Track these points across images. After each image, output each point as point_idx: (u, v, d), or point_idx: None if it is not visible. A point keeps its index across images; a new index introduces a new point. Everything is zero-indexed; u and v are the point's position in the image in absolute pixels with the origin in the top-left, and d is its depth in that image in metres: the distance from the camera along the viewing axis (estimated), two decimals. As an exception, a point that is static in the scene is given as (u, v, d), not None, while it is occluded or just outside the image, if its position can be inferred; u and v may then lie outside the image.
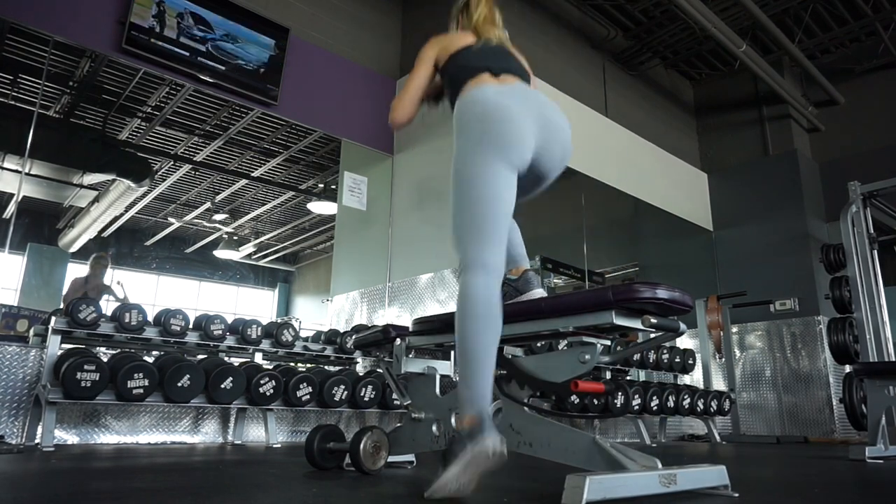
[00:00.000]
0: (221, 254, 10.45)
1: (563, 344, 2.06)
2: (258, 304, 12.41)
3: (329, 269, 5.98)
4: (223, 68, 4.33)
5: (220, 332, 3.63)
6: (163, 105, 6.44)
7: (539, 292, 1.92)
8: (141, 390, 3.04)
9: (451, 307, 4.33)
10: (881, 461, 3.10)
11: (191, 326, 3.60)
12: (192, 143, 7.26)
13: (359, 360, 4.49)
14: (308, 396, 3.58)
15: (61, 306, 4.27)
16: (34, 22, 3.79)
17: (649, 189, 6.46)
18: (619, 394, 4.46)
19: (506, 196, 1.68)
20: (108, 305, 4.90)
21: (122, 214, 8.52)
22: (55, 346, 3.16)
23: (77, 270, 8.58)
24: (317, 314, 9.89)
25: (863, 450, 3.18)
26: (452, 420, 1.91)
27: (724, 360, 6.01)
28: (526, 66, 2.06)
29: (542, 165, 1.81)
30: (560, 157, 1.87)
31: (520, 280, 1.96)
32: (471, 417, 1.46)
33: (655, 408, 4.80)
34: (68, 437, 3.20)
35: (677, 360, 5.40)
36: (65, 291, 6.06)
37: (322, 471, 2.14)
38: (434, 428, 1.97)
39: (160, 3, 4.05)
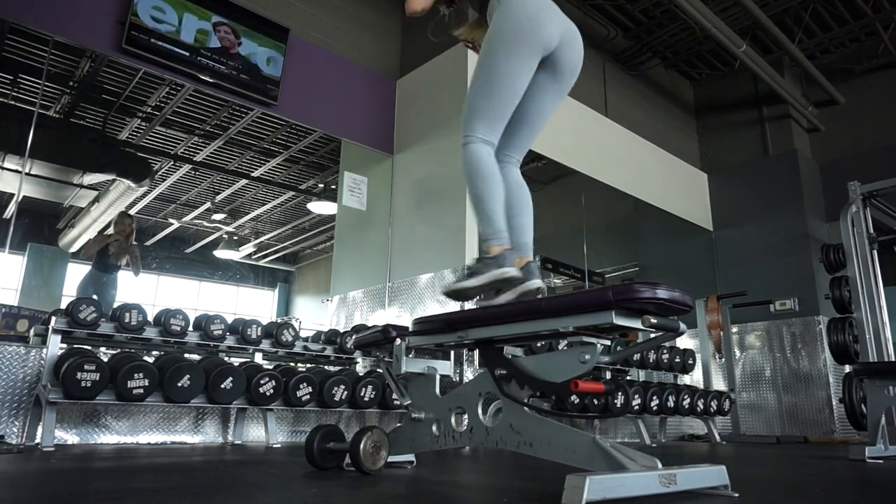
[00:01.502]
0: (221, 254, 10.45)
1: (563, 344, 2.06)
2: (258, 304, 12.41)
3: (329, 269, 5.98)
4: (223, 68, 4.33)
5: (220, 332, 3.63)
6: (163, 105, 6.44)
7: (537, 283, 1.92)
8: (141, 390, 3.04)
9: (452, 307, 4.34)
10: (881, 461, 3.10)
11: (191, 326, 3.60)
12: (192, 143, 7.26)
13: (359, 360, 4.49)
14: (308, 396, 3.57)
15: (61, 307, 4.27)
16: (34, 22, 3.79)
17: (649, 189, 6.46)
18: (619, 394, 4.46)
19: (521, 83, 1.97)
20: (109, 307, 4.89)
21: (121, 214, 8.51)
22: (55, 346, 3.16)
23: (77, 270, 8.59)
24: (317, 314, 9.89)
25: (863, 450, 3.18)
26: (452, 420, 1.92)
27: (724, 360, 6.01)
28: None
29: (563, 56, 2.05)
30: (577, 59, 2.10)
31: (522, 271, 1.96)
32: (499, 247, 1.82)
33: (655, 408, 4.80)
34: (68, 437, 3.20)
35: (677, 360, 5.40)
36: (85, 239, 6.06)
37: (322, 471, 2.14)
38: (434, 428, 1.97)
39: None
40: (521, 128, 2.12)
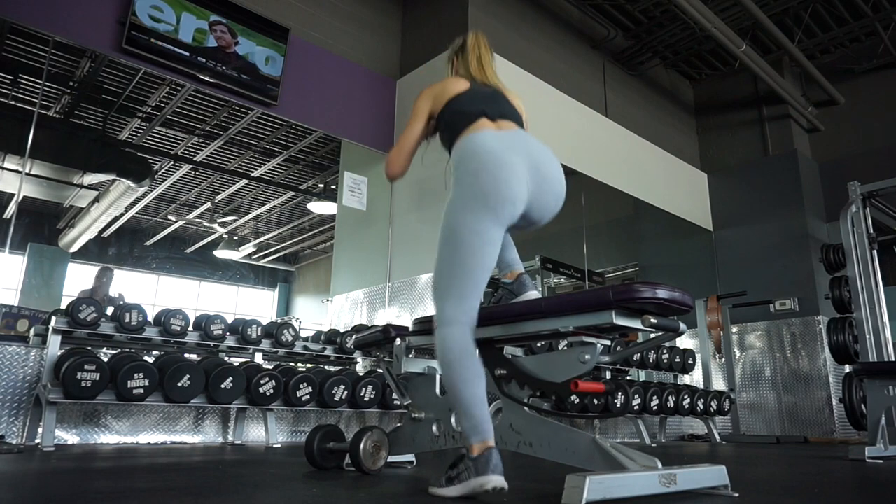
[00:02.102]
0: (221, 254, 10.45)
1: (563, 344, 2.06)
2: (258, 304, 12.41)
3: (329, 269, 5.98)
4: (223, 68, 4.33)
5: (220, 332, 3.63)
6: (163, 105, 6.44)
7: (533, 294, 1.93)
8: (141, 390, 3.04)
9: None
10: (881, 461, 3.11)
11: (191, 326, 3.60)
12: (192, 143, 7.26)
13: (359, 360, 4.49)
14: (308, 396, 3.58)
15: (61, 307, 4.28)
16: (34, 22, 3.79)
17: (649, 189, 6.46)
18: (619, 394, 4.46)
19: (491, 257, 1.74)
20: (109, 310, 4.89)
21: (122, 214, 8.53)
22: (55, 346, 3.16)
23: (77, 270, 8.59)
24: (317, 314, 9.89)
25: (863, 450, 3.18)
26: (452, 420, 1.92)
27: (724, 360, 6.01)
28: (521, 109, 2.04)
29: (534, 214, 1.82)
30: (552, 207, 1.86)
31: (515, 283, 1.99)
32: (479, 445, 1.56)
33: (655, 408, 4.80)
34: (68, 437, 3.20)
35: (677, 360, 5.40)
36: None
37: (322, 471, 2.14)
38: (434, 428, 1.97)
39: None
40: None
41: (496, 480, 1.50)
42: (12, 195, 6.32)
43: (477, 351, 1.73)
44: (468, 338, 1.69)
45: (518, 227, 1.84)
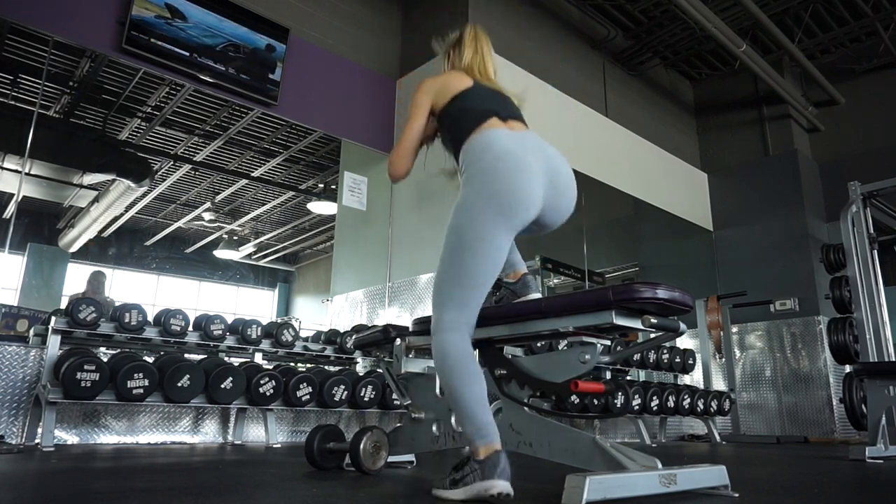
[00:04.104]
0: (221, 254, 10.45)
1: (563, 344, 2.06)
2: (258, 304, 12.41)
3: (329, 269, 5.98)
4: (223, 68, 4.33)
5: (220, 332, 3.63)
6: (163, 105, 6.44)
7: (535, 295, 1.92)
8: (141, 390, 3.04)
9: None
10: (881, 461, 3.10)
11: (191, 326, 3.60)
12: (192, 143, 7.26)
13: (359, 360, 4.48)
14: (308, 396, 3.57)
15: (61, 307, 4.28)
16: (34, 22, 3.79)
17: (649, 189, 6.46)
18: (619, 394, 4.46)
19: (498, 263, 1.69)
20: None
21: (122, 214, 8.53)
22: (55, 346, 3.16)
23: (77, 270, 8.59)
24: (317, 314, 9.90)
25: (863, 450, 3.18)
26: (452, 420, 1.92)
27: (724, 360, 6.01)
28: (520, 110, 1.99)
29: (546, 219, 1.78)
30: (565, 213, 1.82)
31: (518, 284, 1.97)
32: (486, 448, 1.51)
33: (655, 408, 4.80)
34: (68, 437, 3.20)
35: (677, 360, 5.40)
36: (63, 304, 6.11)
37: (322, 471, 2.14)
38: (434, 428, 1.97)
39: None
40: None
41: (502, 486, 1.44)
42: (12, 195, 6.32)
43: (476, 353, 1.68)
44: (467, 341, 1.65)
45: (528, 231, 1.78)
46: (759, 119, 7.15)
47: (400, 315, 4.82)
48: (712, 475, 1.57)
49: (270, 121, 6.64)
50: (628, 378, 5.27)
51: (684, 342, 6.27)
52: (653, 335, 1.64)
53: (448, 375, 1.61)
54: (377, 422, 4.15)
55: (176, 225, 9.75)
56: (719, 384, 6.16)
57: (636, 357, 5.06)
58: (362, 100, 5.25)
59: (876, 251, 4.43)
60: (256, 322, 3.83)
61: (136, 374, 3.03)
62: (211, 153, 7.48)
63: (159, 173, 8.00)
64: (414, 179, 5.34)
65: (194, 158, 7.60)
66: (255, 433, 3.78)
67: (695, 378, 6.18)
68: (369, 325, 4.59)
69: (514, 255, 2.04)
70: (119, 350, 3.65)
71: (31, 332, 3.37)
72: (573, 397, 1.59)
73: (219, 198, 9.00)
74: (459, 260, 1.66)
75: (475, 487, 1.48)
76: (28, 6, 3.73)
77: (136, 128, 6.94)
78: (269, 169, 7.95)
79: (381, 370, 3.89)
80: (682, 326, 1.60)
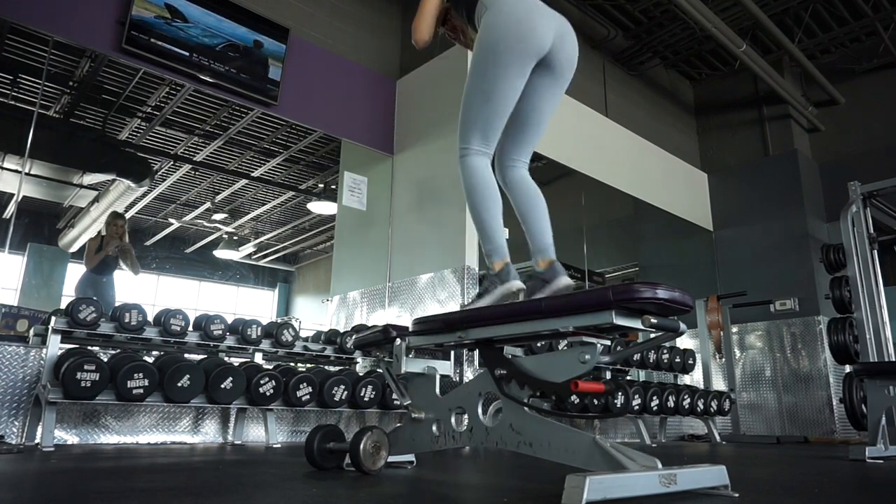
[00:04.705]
0: (221, 254, 10.45)
1: (563, 344, 2.06)
2: (258, 304, 12.41)
3: (329, 269, 5.98)
4: (223, 68, 4.33)
5: (220, 332, 3.63)
6: (163, 105, 6.43)
7: (565, 280, 1.92)
8: (141, 390, 3.04)
9: (451, 307, 4.34)
10: (881, 461, 3.10)
11: (191, 326, 3.60)
12: (192, 143, 7.26)
13: (359, 360, 4.48)
14: (308, 396, 3.57)
15: (61, 307, 4.27)
16: (34, 22, 3.79)
17: (649, 189, 6.46)
18: (619, 394, 4.46)
19: (516, 89, 1.95)
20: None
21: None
22: (55, 346, 3.16)
23: (77, 270, 8.59)
24: (317, 314, 9.89)
25: (863, 450, 3.18)
26: (452, 420, 1.92)
27: (724, 360, 6.01)
28: None
29: (557, 57, 2.00)
30: (572, 50, 2.05)
31: (548, 271, 1.96)
32: (500, 262, 1.90)
33: (655, 408, 4.80)
34: (68, 437, 3.20)
35: (677, 360, 5.40)
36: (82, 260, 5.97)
37: (322, 471, 2.14)
38: (434, 428, 1.97)
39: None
40: (523, 130, 2.10)
41: (518, 285, 1.83)
42: (12, 195, 6.31)
43: (495, 181, 1.98)
44: (489, 168, 1.96)
45: (543, 77, 2.01)
46: (759, 119, 7.15)
47: (400, 315, 4.82)
48: (712, 475, 1.57)
49: (270, 121, 6.63)
50: (628, 378, 5.27)
51: (684, 342, 6.27)
52: (653, 335, 1.63)
53: (474, 198, 1.94)
54: (377, 422, 4.15)
55: (176, 225, 9.75)
56: (719, 384, 6.16)
57: (636, 357, 5.06)
58: (362, 100, 5.25)
59: (876, 251, 4.43)
60: (256, 322, 3.83)
61: (136, 374, 3.03)
62: (211, 153, 7.47)
63: (159, 173, 8.00)
64: (414, 179, 5.37)
65: (194, 158, 7.60)
66: (255, 433, 3.78)
67: (695, 378, 6.18)
68: (369, 325, 4.59)
69: (545, 238, 2.04)
70: (119, 350, 3.65)
71: (31, 332, 3.37)
72: (573, 397, 1.59)
73: (219, 198, 8.99)
74: (479, 87, 1.92)
75: (499, 291, 1.85)
76: (28, 6, 3.73)
77: (136, 128, 6.93)
78: (269, 169, 7.94)
79: (381, 370, 3.89)
80: (682, 326, 1.60)
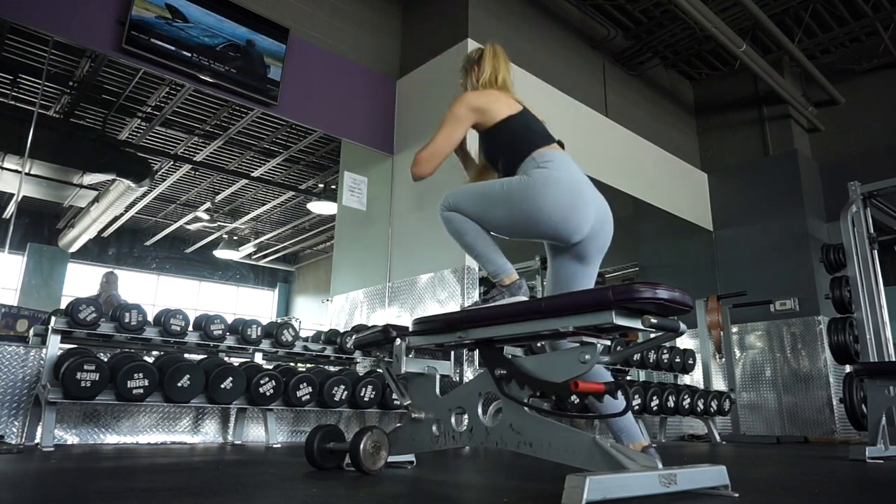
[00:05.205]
0: (221, 254, 10.45)
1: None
2: (258, 304, 12.41)
3: (329, 269, 5.98)
4: (223, 68, 4.33)
5: (220, 332, 3.63)
6: (163, 105, 6.44)
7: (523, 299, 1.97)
8: (141, 390, 3.04)
9: (451, 307, 4.34)
10: (881, 461, 3.10)
11: (191, 326, 3.60)
12: (192, 143, 7.26)
13: (359, 360, 4.48)
14: (308, 396, 3.57)
15: (61, 307, 4.27)
16: (34, 22, 3.79)
17: (649, 189, 6.46)
18: (619, 394, 4.45)
19: (526, 236, 2.02)
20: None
21: (122, 214, 8.52)
22: (55, 346, 3.15)
23: (77, 270, 8.60)
24: (317, 314, 9.89)
25: (863, 450, 3.18)
26: (452, 420, 1.92)
27: (724, 360, 6.01)
28: None
29: (587, 248, 2.03)
30: (604, 242, 2.07)
31: (513, 286, 2.02)
32: (509, 277, 1.97)
33: (655, 408, 4.79)
34: (68, 437, 3.20)
35: (677, 360, 5.40)
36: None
37: (322, 471, 2.14)
38: (434, 428, 1.97)
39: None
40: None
41: (524, 299, 1.89)
42: (12, 195, 6.31)
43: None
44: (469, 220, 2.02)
45: (573, 253, 2.05)
46: (759, 119, 7.15)
47: (400, 315, 4.82)
48: (712, 475, 1.57)
49: (270, 121, 6.63)
50: (628, 378, 5.27)
51: (684, 342, 6.27)
52: (653, 335, 1.63)
53: (465, 239, 2.02)
54: (377, 422, 4.15)
55: (176, 225, 9.75)
56: (719, 384, 6.16)
57: (636, 357, 5.06)
58: (362, 100, 5.25)
59: (876, 251, 4.43)
60: (256, 322, 3.83)
61: (136, 374, 3.03)
62: (211, 153, 7.47)
63: (159, 173, 8.00)
64: (414, 179, 5.31)
65: (194, 158, 7.60)
66: (255, 433, 3.78)
67: (695, 378, 6.18)
68: (369, 325, 4.59)
69: (502, 257, 2.10)
70: (119, 350, 3.65)
71: (31, 332, 3.37)
72: (573, 397, 1.59)
73: (219, 198, 8.99)
74: (510, 213, 1.96)
75: (504, 302, 1.90)
76: (28, 6, 3.73)
77: (136, 128, 6.93)
78: (269, 169, 7.94)
79: (381, 370, 3.89)
80: (682, 326, 1.60)
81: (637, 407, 4.63)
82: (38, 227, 8.33)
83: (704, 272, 6.96)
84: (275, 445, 3.54)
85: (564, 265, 2.08)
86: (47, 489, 1.64)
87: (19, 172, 5.01)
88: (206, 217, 9.26)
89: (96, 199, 7.51)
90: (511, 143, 2.06)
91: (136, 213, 8.91)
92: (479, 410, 1.84)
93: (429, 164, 2.07)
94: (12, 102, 6.03)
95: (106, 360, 3.16)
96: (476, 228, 1.99)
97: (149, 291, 10.59)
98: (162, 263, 10.66)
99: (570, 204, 1.90)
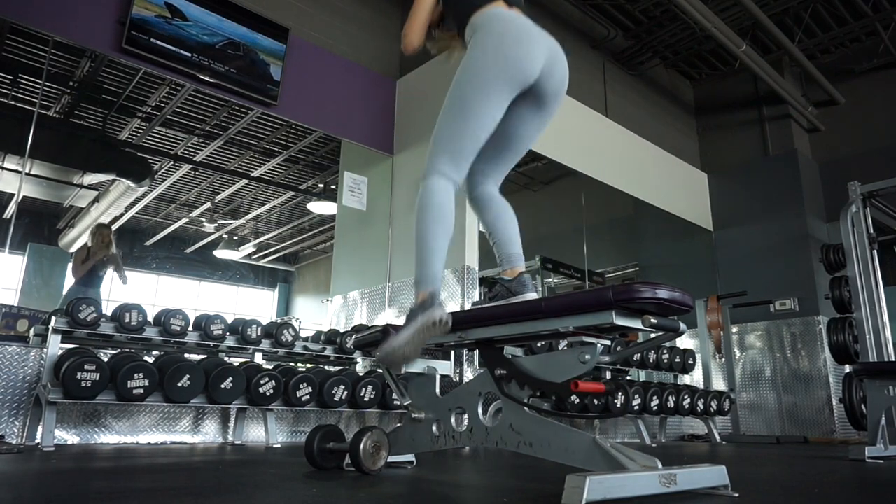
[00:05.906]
0: (221, 254, 10.45)
1: (563, 344, 2.06)
2: (258, 304, 12.40)
3: (329, 269, 5.98)
4: (223, 68, 4.33)
5: (220, 332, 3.63)
6: (163, 105, 6.43)
7: (532, 295, 1.91)
8: (141, 390, 3.04)
9: (451, 307, 4.34)
10: (881, 461, 3.10)
11: (191, 326, 3.60)
12: (192, 143, 7.26)
13: (359, 360, 4.48)
14: (308, 396, 3.57)
15: (61, 306, 4.27)
16: (34, 22, 3.79)
17: (649, 189, 6.46)
18: (619, 394, 4.46)
19: (494, 119, 1.84)
20: (107, 306, 4.89)
21: (122, 214, 8.51)
22: (55, 346, 3.16)
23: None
24: (317, 314, 9.88)
25: (863, 450, 3.18)
26: (452, 420, 1.92)
27: (724, 360, 6.01)
28: None
29: (544, 88, 1.92)
30: (561, 79, 1.96)
31: (514, 282, 1.96)
32: (424, 293, 1.76)
33: (655, 408, 4.80)
34: (68, 437, 3.20)
35: (677, 360, 5.40)
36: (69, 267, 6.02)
37: (322, 471, 2.14)
38: (434, 428, 1.97)
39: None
40: (500, 153, 2.04)
41: (440, 313, 1.70)
42: (12, 195, 6.31)
43: (453, 212, 1.81)
44: (451, 195, 1.81)
45: (528, 106, 1.94)
46: (759, 119, 7.15)
47: (400, 315, 4.82)
48: (712, 475, 1.57)
49: (270, 121, 6.63)
50: (628, 378, 5.27)
51: (684, 342, 6.28)
52: (653, 335, 1.63)
53: (425, 220, 1.78)
54: (377, 422, 4.15)
55: (176, 225, 9.75)
56: (719, 384, 6.16)
57: (636, 357, 5.06)
58: (362, 100, 5.25)
59: (876, 251, 4.43)
60: (256, 322, 3.83)
61: (136, 374, 3.03)
62: (211, 153, 7.47)
63: (159, 173, 8.00)
64: (414, 179, 5.34)
65: (194, 158, 7.60)
66: (255, 433, 3.78)
67: (695, 378, 6.18)
68: (369, 325, 4.59)
69: (514, 248, 2.03)
70: (119, 350, 3.65)
71: (32, 332, 3.37)
72: (573, 397, 1.58)
73: (219, 198, 8.99)
74: (457, 111, 1.83)
75: (419, 323, 1.72)
76: (28, 6, 3.73)
77: (136, 128, 6.93)
78: (269, 169, 7.94)
79: (381, 370, 3.89)
80: (682, 326, 1.60)
81: (637, 407, 4.63)
82: (39, 227, 8.32)
83: (704, 272, 6.96)
84: (275, 445, 3.54)
85: (520, 116, 1.98)
86: (47, 489, 1.64)
87: (19, 172, 5.00)
88: (210, 227, 9.29)
89: (96, 200, 7.51)
90: (457, 4, 2.08)
91: (136, 213, 8.91)
92: (479, 410, 1.84)
93: (412, 33, 2.14)
94: (12, 102, 6.02)
95: (106, 360, 3.16)
96: (441, 218, 1.78)
97: (149, 291, 10.59)
98: (162, 263, 10.65)
99: (513, 43, 1.84)
